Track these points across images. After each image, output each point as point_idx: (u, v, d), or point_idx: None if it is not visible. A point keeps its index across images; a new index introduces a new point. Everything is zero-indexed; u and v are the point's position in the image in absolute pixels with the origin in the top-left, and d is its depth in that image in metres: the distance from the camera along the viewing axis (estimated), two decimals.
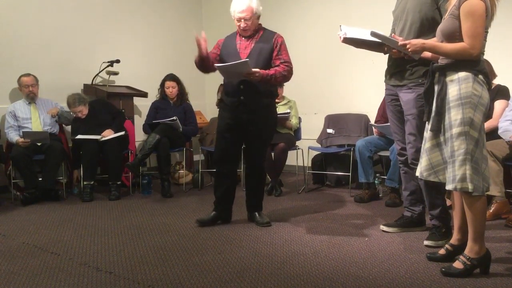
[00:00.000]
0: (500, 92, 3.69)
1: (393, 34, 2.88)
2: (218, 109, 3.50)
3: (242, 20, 3.18)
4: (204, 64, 3.24)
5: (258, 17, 3.28)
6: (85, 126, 4.57)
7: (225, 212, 3.46)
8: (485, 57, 2.40)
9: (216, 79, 3.44)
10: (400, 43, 2.50)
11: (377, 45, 2.80)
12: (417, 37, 2.69)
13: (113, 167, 4.46)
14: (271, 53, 3.23)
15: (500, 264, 2.50)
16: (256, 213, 3.46)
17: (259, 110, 3.27)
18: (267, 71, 3.14)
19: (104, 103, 4.83)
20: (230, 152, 3.40)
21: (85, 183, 4.39)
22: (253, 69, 3.05)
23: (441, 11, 2.71)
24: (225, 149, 3.37)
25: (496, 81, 3.76)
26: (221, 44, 3.34)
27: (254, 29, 3.26)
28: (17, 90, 4.65)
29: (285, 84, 4.82)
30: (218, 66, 3.07)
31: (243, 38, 3.28)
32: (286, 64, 3.24)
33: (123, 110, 4.99)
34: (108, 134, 4.51)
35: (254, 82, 3.14)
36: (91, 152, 4.41)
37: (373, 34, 2.54)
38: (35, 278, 2.41)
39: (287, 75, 3.25)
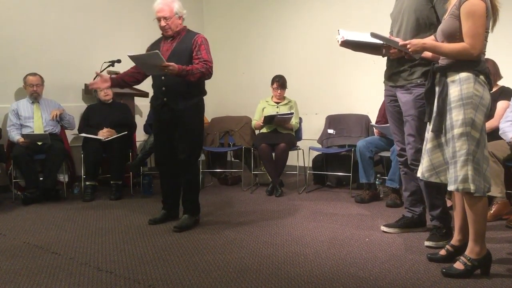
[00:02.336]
0: (503, 93, 3.70)
1: (389, 35, 2.89)
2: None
3: (162, 19, 3.23)
4: (121, 84, 3.46)
5: (180, 18, 3.30)
6: (97, 119, 4.63)
7: (172, 209, 3.55)
8: (491, 58, 2.39)
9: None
10: (401, 43, 2.50)
11: (374, 48, 2.81)
12: (414, 36, 2.70)
13: (115, 167, 4.46)
14: (191, 53, 3.24)
15: (501, 265, 2.49)
16: (185, 215, 3.40)
17: (183, 111, 3.28)
18: (183, 66, 3.13)
19: (125, 108, 4.89)
20: (164, 153, 3.45)
21: (87, 183, 4.40)
22: (168, 62, 3.07)
23: (436, 10, 2.72)
24: (159, 150, 3.49)
25: (500, 83, 3.76)
26: (147, 50, 3.37)
27: (177, 30, 3.30)
28: (21, 89, 4.66)
29: (287, 85, 4.85)
30: (130, 56, 3.08)
31: (167, 41, 3.34)
32: (204, 62, 3.19)
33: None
34: (111, 135, 4.51)
35: (176, 84, 3.19)
36: (93, 152, 4.41)
37: (373, 35, 2.54)
38: (35, 278, 2.41)
39: (205, 72, 3.18)
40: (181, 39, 3.30)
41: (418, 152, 2.74)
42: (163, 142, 3.42)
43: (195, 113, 3.35)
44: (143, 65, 3.19)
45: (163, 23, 3.24)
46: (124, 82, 3.46)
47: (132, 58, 3.12)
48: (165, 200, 3.56)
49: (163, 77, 3.25)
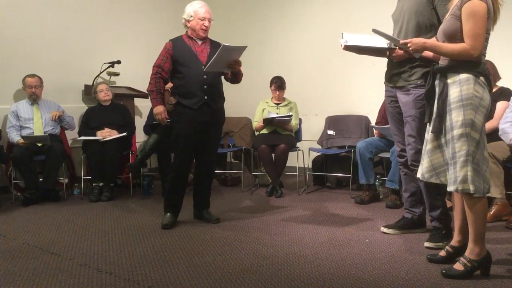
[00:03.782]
0: (502, 94, 3.71)
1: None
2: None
3: (207, 19, 3.32)
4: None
5: None
6: (97, 121, 4.63)
7: (178, 213, 3.53)
8: (489, 58, 2.40)
9: None
10: (402, 41, 2.51)
11: (378, 50, 2.81)
12: (414, 37, 2.70)
13: (108, 169, 4.44)
14: None
15: (500, 265, 2.50)
16: (205, 211, 3.58)
17: (218, 111, 3.42)
18: None
19: (125, 109, 4.89)
20: (192, 155, 3.48)
21: (94, 184, 4.42)
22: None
23: (437, 11, 2.72)
24: (190, 153, 3.44)
25: (499, 83, 3.77)
26: (171, 48, 3.35)
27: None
28: (21, 90, 4.65)
29: (286, 85, 4.85)
30: (225, 45, 3.04)
31: (196, 42, 3.36)
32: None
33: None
34: (111, 135, 4.51)
35: (216, 83, 3.37)
36: (95, 154, 4.42)
37: (375, 31, 2.54)
38: (35, 279, 2.41)
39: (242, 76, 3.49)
40: (211, 43, 3.41)
41: (418, 152, 2.74)
42: (193, 145, 3.39)
43: (224, 113, 3.56)
44: (221, 58, 3.11)
45: (207, 23, 3.33)
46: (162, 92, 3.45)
47: (225, 48, 3.04)
48: (178, 204, 3.48)
49: (205, 76, 3.28)
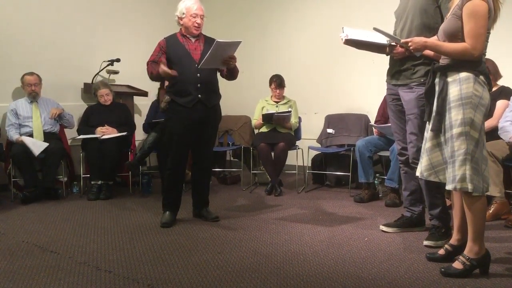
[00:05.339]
0: (503, 93, 3.71)
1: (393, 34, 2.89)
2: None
3: (199, 16, 3.29)
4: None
5: None
6: (97, 119, 4.62)
7: (176, 211, 3.52)
8: (489, 57, 2.39)
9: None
10: (403, 40, 2.51)
11: (378, 46, 2.80)
12: (418, 35, 2.69)
13: (107, 167, 4.43)
14: None
15: (499, 264, 2.50)
16: (204, 209, 3.58)
17: (213, 109, 3.41)
18: None
19: (125, 108, 4.88)
20: (186, 153, 3.48)
21: (92, 182, 4.42)
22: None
23: (441, 10, 2.72)
24: (184, 151, 3.43)
25: (500, 82, 3.77)
26: (164, 46, 3.33)
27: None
28: (20, 88, 4.64)
29: (285, 84, 4.85)
30: (219, 41, 3.02)
31: (190, 39, 3.34)
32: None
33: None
34: (109, 132, 4.51)
35: (210, 81, 3.35)
36: (95, 152, 4.42)
37: (376, 29, 2.54)
38: (34, 277, 2.41)
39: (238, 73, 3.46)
40: (205, 40, 3.38)
41: (420, 150, 2.74)
42: (187, 143, 3.39)
43: (220, 111, 3.54)
44: (216, 52, 3.07)
45: (200, 20, 3.30)
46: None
47: (219, 44, 3.02)
48: (176, 203, 3.49)
49: (199, 74, 3.27)
